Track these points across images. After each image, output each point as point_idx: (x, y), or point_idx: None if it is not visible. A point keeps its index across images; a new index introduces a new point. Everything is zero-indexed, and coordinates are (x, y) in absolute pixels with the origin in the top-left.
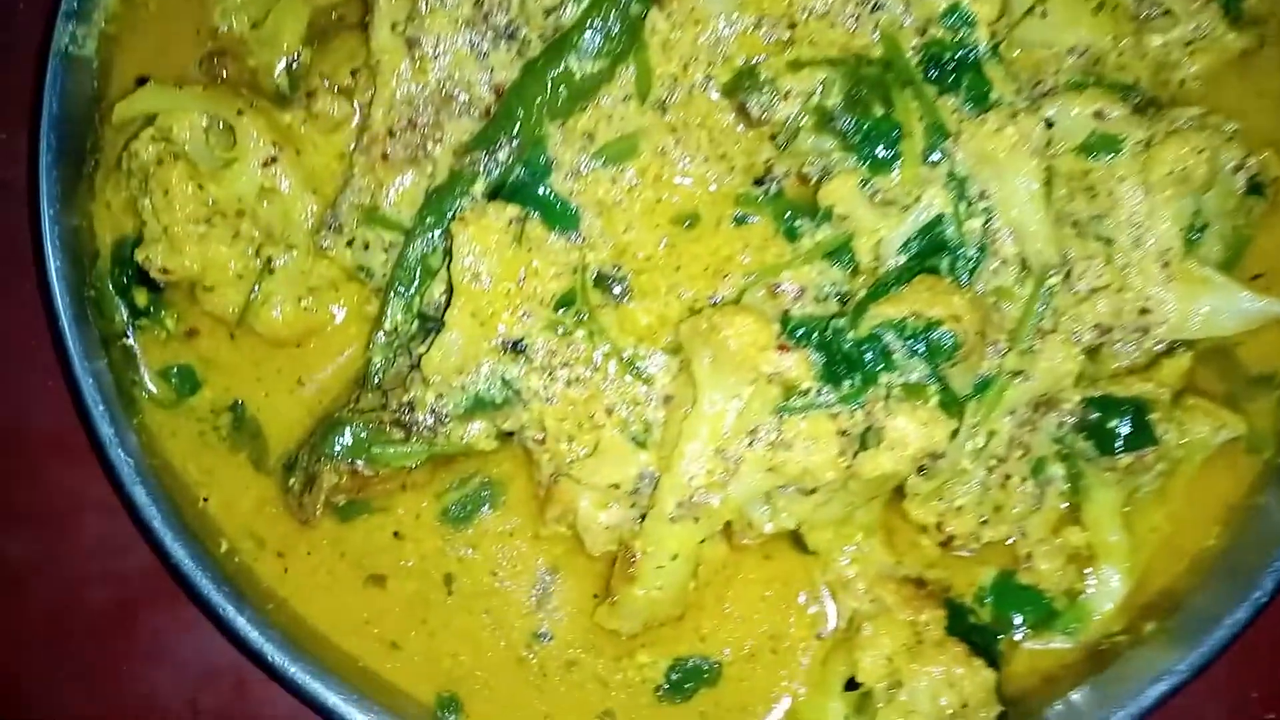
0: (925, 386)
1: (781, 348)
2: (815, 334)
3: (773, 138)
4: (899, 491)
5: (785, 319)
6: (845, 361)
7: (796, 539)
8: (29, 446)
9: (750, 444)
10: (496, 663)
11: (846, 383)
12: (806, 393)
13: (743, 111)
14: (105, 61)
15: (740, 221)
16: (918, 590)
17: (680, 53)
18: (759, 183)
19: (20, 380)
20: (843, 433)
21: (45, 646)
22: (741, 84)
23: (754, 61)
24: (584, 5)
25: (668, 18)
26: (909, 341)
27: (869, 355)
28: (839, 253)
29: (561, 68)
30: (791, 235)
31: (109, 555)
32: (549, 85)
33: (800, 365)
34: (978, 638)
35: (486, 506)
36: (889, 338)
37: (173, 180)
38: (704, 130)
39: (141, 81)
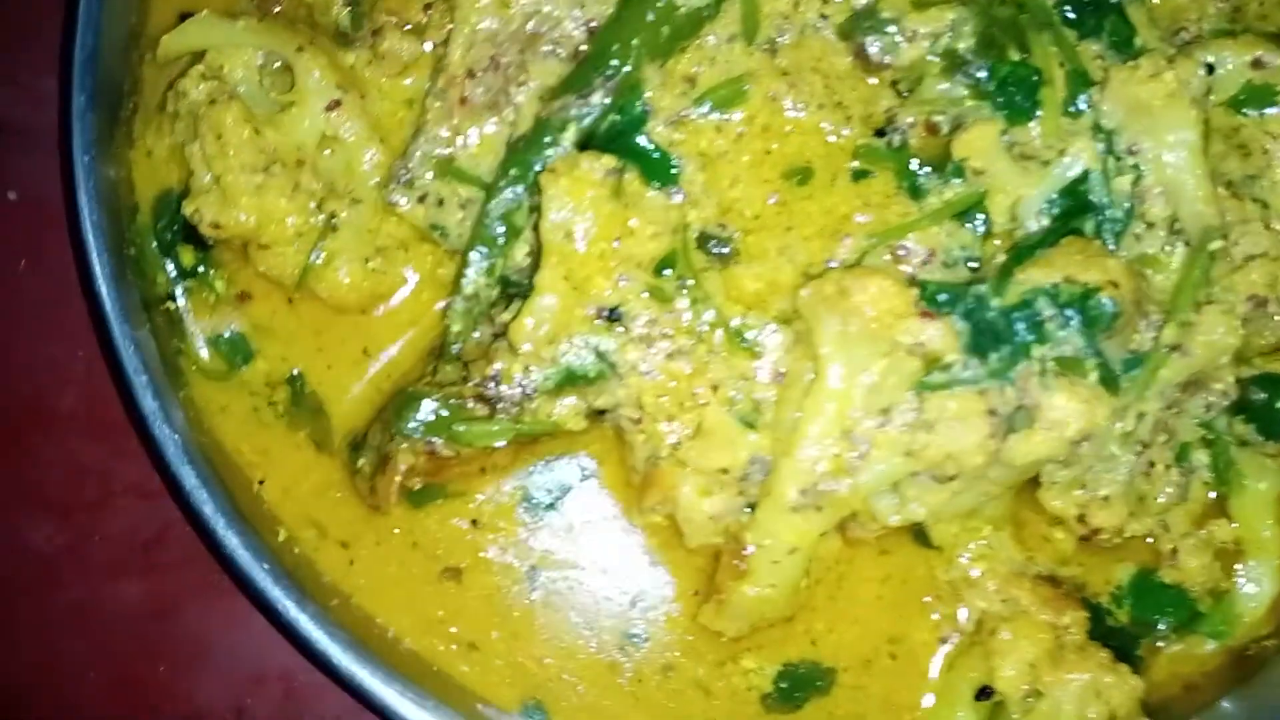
0: (1083, 361)
1: (924, 314)
2: (958, 301)
3: (894, 84)
4: (1032, 481)
5: (923, 284)
6: (991, 332)
7: (917, 532)
8: (55, 424)
9: (882, 425)
10: (586, 667)
11: (994, 355)
12: (949, 367)
13: (861, 54)
14: None
15: (858, 177)
16: (1055, 590)
17: None
18: (880, 133)
19: (46, 350)
20: (992, 412)
21: (74, 645)
22: (860, 24)
23: None
24: None
25: None
26: (1063, 310)
27: (1019, 325)
28: (970, 213)
29: (663, 2)
30: (915, 192)
31: (145, 545)
32: (649, 21)
33: (945, 335)
34: (1116, 641)
35: (574, 493)
36: (1041, 305)
37: (227, 122)
38: (818, 75)
39: (186, 16)
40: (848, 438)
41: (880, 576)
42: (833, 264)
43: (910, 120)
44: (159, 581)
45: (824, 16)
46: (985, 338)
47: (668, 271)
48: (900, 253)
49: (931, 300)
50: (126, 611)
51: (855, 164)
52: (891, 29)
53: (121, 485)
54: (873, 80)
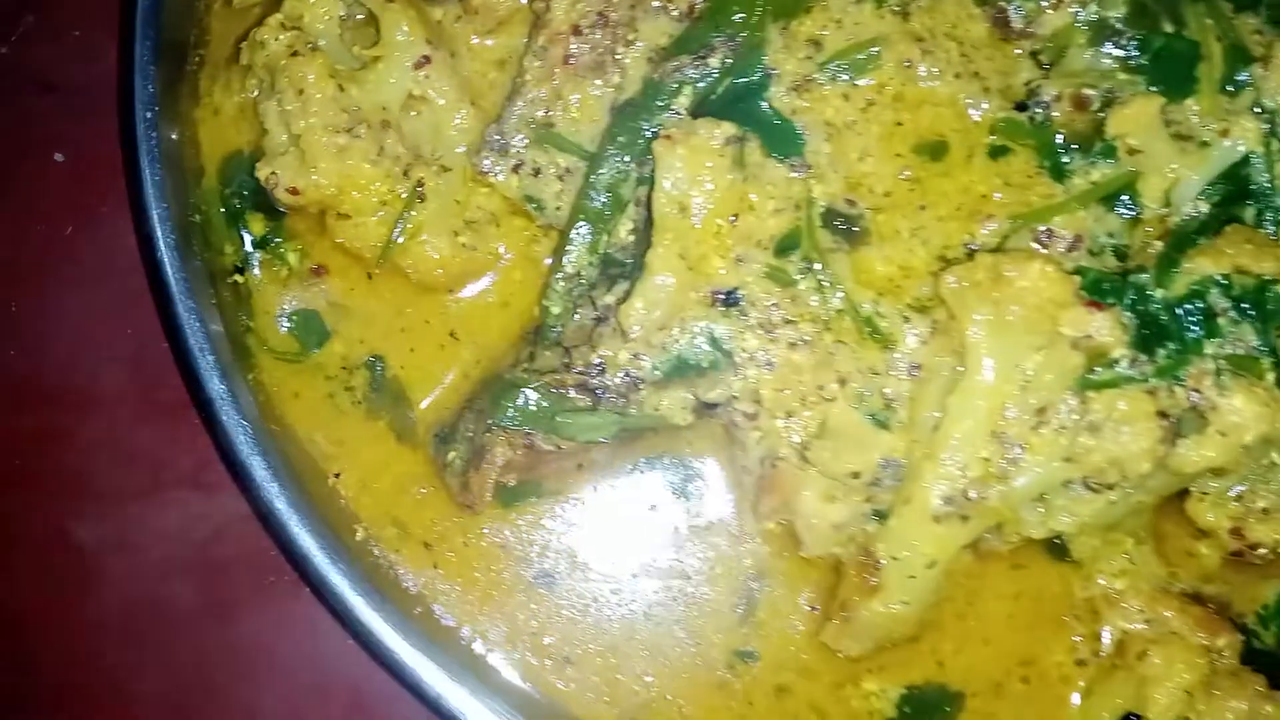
0: (1258, 359)
1: (1091, 304)
2: (1123, 291)
3: (1034, 54)
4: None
5: (1083, 271)
6: (1157, 326)
7: (1053, 545)
8: (102, 407)
9: (1038, 426)
10: (692, 686)
11: (1162, 352)
12: (1114, 363)
13: (1001, 21)
14: None
15: (997, 153)
16: (1205, 610)
17: None
18: (1020, 107)
19: (92, 326)
20: (1162, 414)
21: (121, 648)
22: None
23: None
24: None
25: None
26: (1237, 303)
27: (1189, 320)
28: (1118, 196)
29: None
30: (1058, 172)
31: (201, 541)
32: None
33: (1113, 328)
34: (1265, 666)
35: (677, 494)
36: (1213, 298)
37: (309, 76)
38: (953, 41)
39: None
40: (999, 440)
41: (1013, 593)
42: (972, 247)
43: (1055, 94)
44: (216, 581)
45: None
46: (1152, 332)
47: (790, 252)
48: (1043, 237)
49: (1094, 289)
50: (180, 614)
51: (993, 139)
52: None
53: (175, 476)
54: (1011, 48)
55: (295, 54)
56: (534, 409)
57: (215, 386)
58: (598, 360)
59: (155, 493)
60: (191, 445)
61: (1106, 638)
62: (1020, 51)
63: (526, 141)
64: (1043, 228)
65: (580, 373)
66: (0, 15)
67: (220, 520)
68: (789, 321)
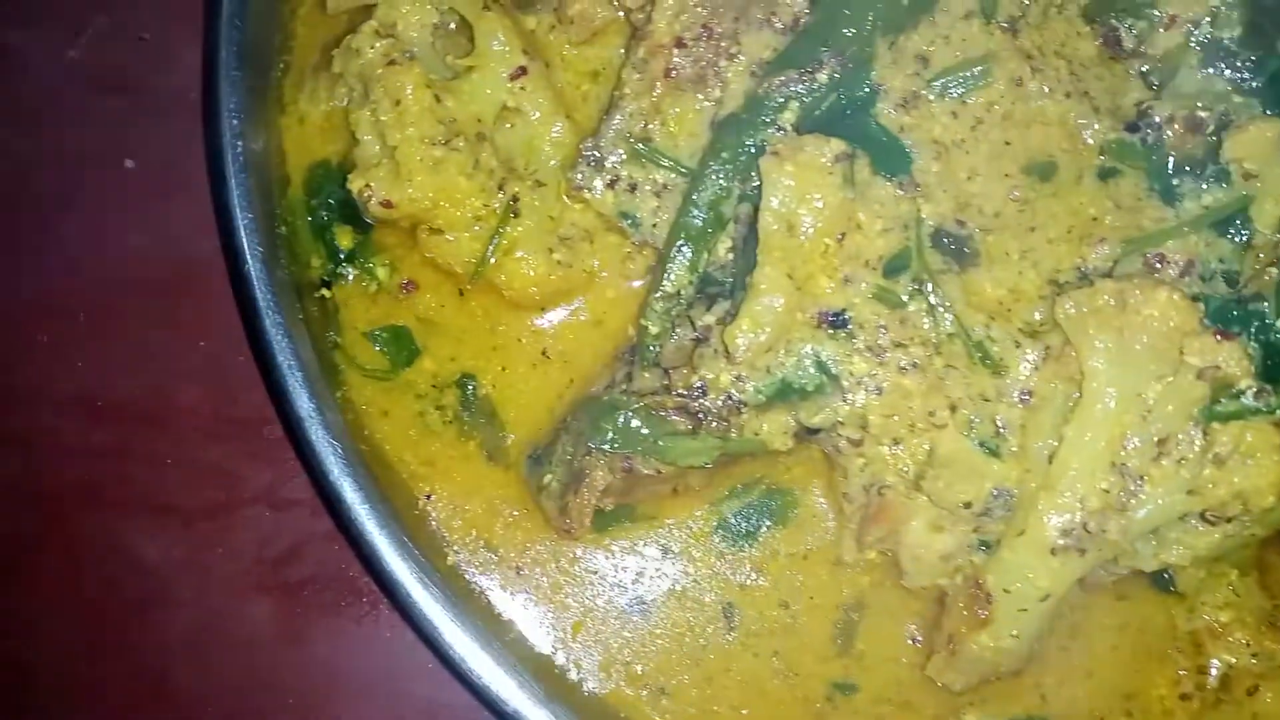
0: None
1: (1219, 333)
2: (1248, 320)
3: (1143, 73)
4: None
5: (1205, 299)
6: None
7: (1157, 576)
8: (174, 421)
9: (1158, 457)
10: (789, 719)
11: None
12: (1239, 394)
13: (1111, 39)
14: None
15: (1106, 175)
16: None
17: None
18: (1131, 128)
19: (164, 339)
20: None
21: (191, 673)
22: (1111, 5)
23: None
24: None
25: None
26: None
27: None
28: (1231, 221)
29: None
30: (1169, 196)
31: (275, 560)
32: None
33: (1240, 358)
34: None
35: (773, 520)
36: None
37: (407, 87)
38: (1062, 60)
39: None
40: (1118, 471)
41: (1117, 625)
42: (1083, 270)
43: (1167, 115)
44: (290, 602)
45: None
46: (1275, 363)
47: (899, 273)
48: (1155, 262)
49: (1221, 318)
50: (251, 636)
51: (1102, 160)
52: (1145, 12)
53: (250, 492)
54: (1121, 69)
55: (392, 63)
56: (634, 432)
57: (304, 404)
58: (699, 382)
59: (228, 510)
60: (267, 461)
61: (1214, 671)
62: (1130, 71)
63: (623, 156)
64: (1154, 252)
65: (681, 395)
66: (68, 16)
67: (295, 538)
68: (898, 345)
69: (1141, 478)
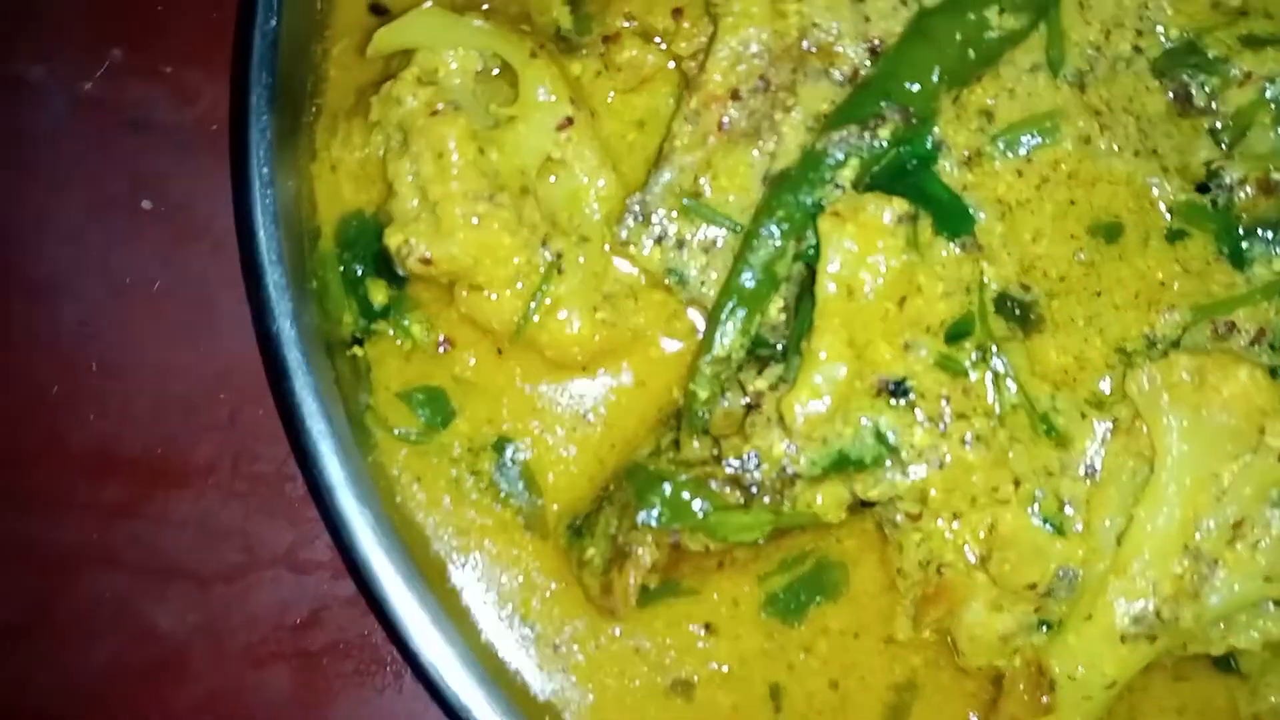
0: None
1: None
2: None
3: (1211, 132)
4: None
5: (1277, 370)
6: None
7: (1218, 657)
8: (191, 479)
9: (1233, 541)
10: None
11: None
12: None
13: (1182, 96)
14: None
15: (1174, 237)
16: None
17: (1101, 14)
18: (1202, 189)
19: (183, 392)
20: None
21: None
22: (1181, 61)
23: (1196, 33)
24: None
25: None
26: None
27: None
28: None
29: (972, 18)
30: (1239, 260)
31: (295, 627)
32: (952, 42)
33: None
34: None
35: (823, 595)
36: None
37: (451, 140)
38: (1130, 116)
39: (377, 9)
40: (1192, 554)
41: (1175, 707)
42: (1151, 339)
43: (1239, 176)
44: (309, 671)
45: (1138, 50)
46: None
47: (962, 339)
48: (1223, 329)
49: None
50: (270, 706)
51: (1170, 222)
52: (1216, 69)
53: (269, 554)
54: (1190, 126)
55: (435, 113)
56: (683, 505)
57: (334, 472)
58: (752, 453)
59: (246, 573)
60: (288, 520)
61: None
62: (1199, 128)
63: (671, 211)
64: (1224, 320)
65: (733, 466)
66: (84, 48)
67: (316, 603)
68: (961, 416)
69: (1216, 562)
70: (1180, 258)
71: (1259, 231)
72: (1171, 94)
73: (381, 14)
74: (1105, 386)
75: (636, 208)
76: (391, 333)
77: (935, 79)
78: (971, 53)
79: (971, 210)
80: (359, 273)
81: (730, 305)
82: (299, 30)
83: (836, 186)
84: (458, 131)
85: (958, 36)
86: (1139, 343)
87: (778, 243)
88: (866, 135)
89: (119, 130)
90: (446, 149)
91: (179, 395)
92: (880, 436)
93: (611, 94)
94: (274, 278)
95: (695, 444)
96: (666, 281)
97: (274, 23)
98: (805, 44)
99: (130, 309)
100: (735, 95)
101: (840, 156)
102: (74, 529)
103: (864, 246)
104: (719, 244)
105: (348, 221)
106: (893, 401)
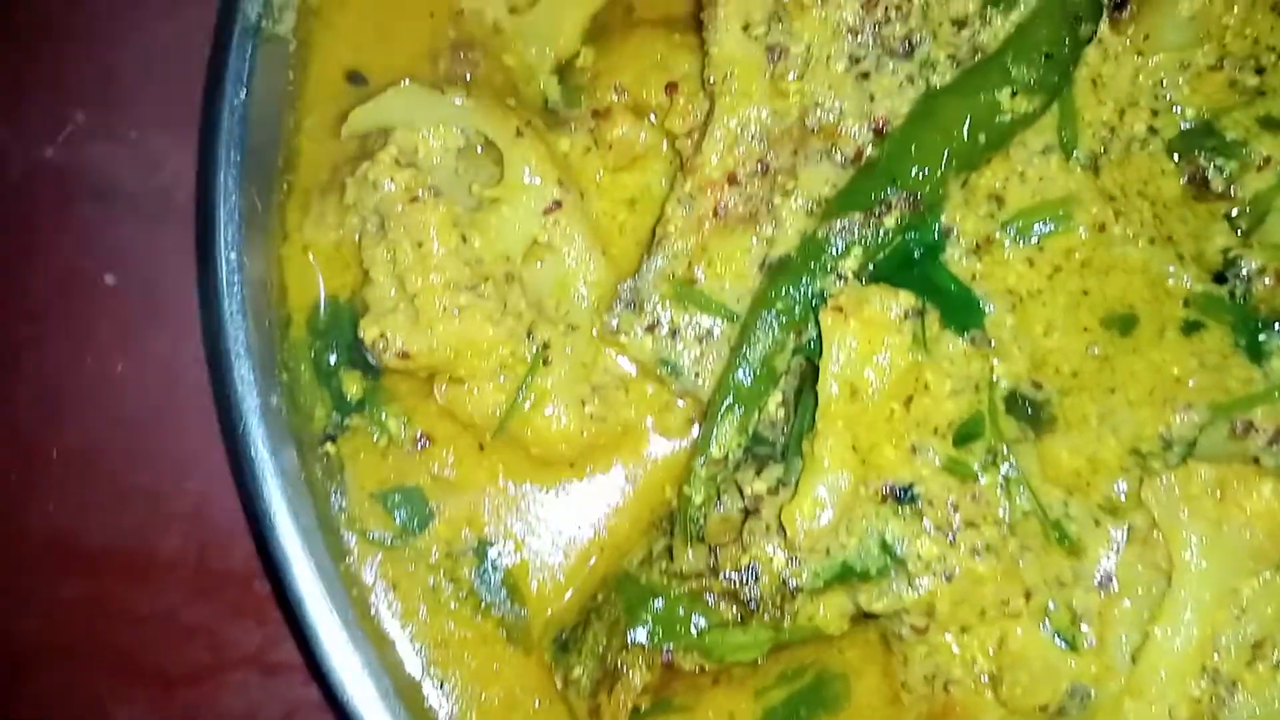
0: None
1: None
2: None
3: (1228, 217)
4: None
5: None
6: None
7: None
8: (154, 572)
9: (1253, 661)
10: None
11: None
12: None
13: (1198, 179)
14: (305, 44)
15: (1190, 329)
16: None
17: (1115, 92)
18: (1219, 279)
19: (146, 478)
20: None
21: None
22: (1198, 142)
23: (1213, 113)
24: (1018, 12)
25: (1103, 47)
26: None
27: None
28: None
29: (983, 101)
30: (1256, 354)
31: None
32: (962, 126)
33: None
34: None
35: (824, 710)
36: None
37: (432, 229)
38: (1145, 200)
39: (355, 77)
40: (1210, 675)
41: None
42: (1166, 439)
43: (1257, 266)
44: None
45: (1153, 130)
46: None
47: (971, 441)
48: (1240, 428)
49: None
50: None
51: (1186, 313)
52: (1239, 151)
53: (238, 655)
54: (1206, 210)
55: (415, 199)
56: (677, 622)
57: (306, 581)
58: (750, 565)
59: (214, 674)
60: (257, 620)
61: None
62: (1215, 213)
63: (664, 299)
64: (1242, 419)
65: (730, 579)
66: (46, 111)
67: (287, 707)
68: (970, 524)
69: (1235, 684)
70: (1196, 351)
71: (1277, 325)
72: (1187, 177)
73: (359, 83)
74: (1119, 488)
75: (628, 295)
76: (367, 428)
77: (944, 164)
78: (982, 137)
79: (981, 302)
80: (332, 362)
81: (726, 403)
82: (270, 103)
83: (839, 277)
84: (438, 219)
85: (968, 120)
86: (1154, 443)
87: (776, 336)
88: (871, 223)
89: (81, 198)
90: (427, 238)
91: (143, 484)
92: (886, 546)
93: (602, 171)
94: (241, 371)
95: (689, 554)
96: (659, 372)
97: (243, 96)
98: (807, 123)
99: (92, 391)
100: (732, 180)
101: (843, 245)
102: (33, 625)
103: (868, 344)
104: (714, 333)
105: (320, 308)
106: (899, 509)
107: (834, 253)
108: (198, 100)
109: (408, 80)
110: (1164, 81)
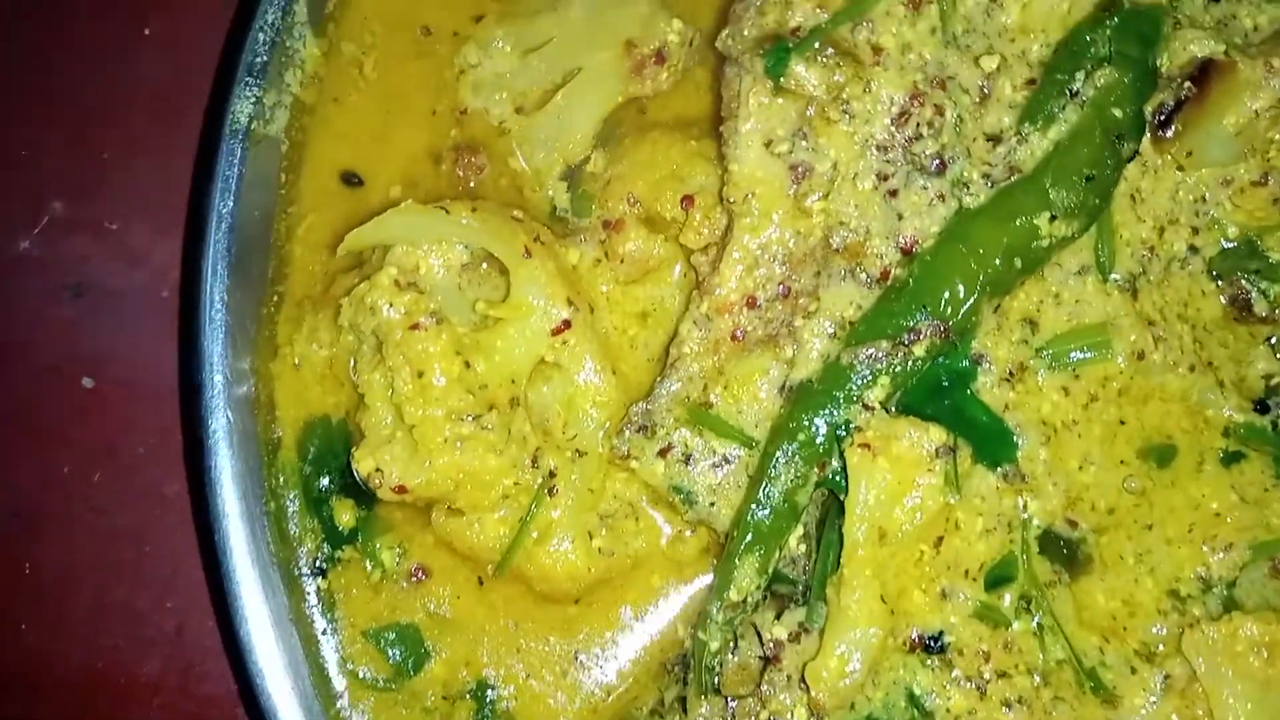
0: None
1: None
2: None
3: (1269, 340)
4: None
5: None
6: None
7: None
8: (135, 696)
9: None
10: None
11: None
12: None
13: (1240, 302)
14: (298, 145)
15: (1230, 460)
16: None
17: (1155, 209)
18: (1261, 408)
19: (125, 598)
20: None
21: None
22: (1241, 264)
23: (1257, 232)
24: (1057, 129)
25: (1142, 160)
26: None
27: None
28: None
29: (1020, 225)
30: None
31: None
32: (997, 250)
33: None
34: None
35: None
36: None
37: (434, 358)
38: (1185, 324)
39: (351, 178)
40: None
41: None
42: (1205, 580)
43: None
44: None
45: (1194, 249)
46: None
47: (1004, 585)
48: None
49: None
50: None
51: (1227, 443)
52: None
53: None
54: (1247, 333)
55: (415, 326)
56: None
57: None
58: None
59: None
60: None
61: None
62: (1258, 336)
63: (678, 422)
64: None
65: None
66: (21, 200)
67: None
68: (1001, 674)
69: None
70: (1237, 483)
71: None
72: (1229, 299)
73: (355, 184)
74: (1157, 631)
75: (640, 418)
76: (359, 560)
77: (977, 291)
78: (1018, 262)
79: (1014, 434)
80: (324, 488)
81: (745, 542)
82: (260, 207)
83: (865, 407)
84: (440, 348)
85: (1004, 243)
86: (1193, 585)
87: (799, 470)
88: (899, 352)
89: (59, 295)
90: (428, 368)
91: (121, 602)
92: (914, 699)
93: (614, 284)
94: (225, 505)
95: (704, 707)
96: (672, 500)
97: (231, 204)
98: (831, 242)
99: (68, 502)
100: (751, 303)
101: (869, 374)
102: None
103: (898, 485)
104: (731, 460)
105: (312, 429)
106: (927, 659)
107: (860, 382)
108: (184, 188)
109: (408, 199)
110: (1206, 197)
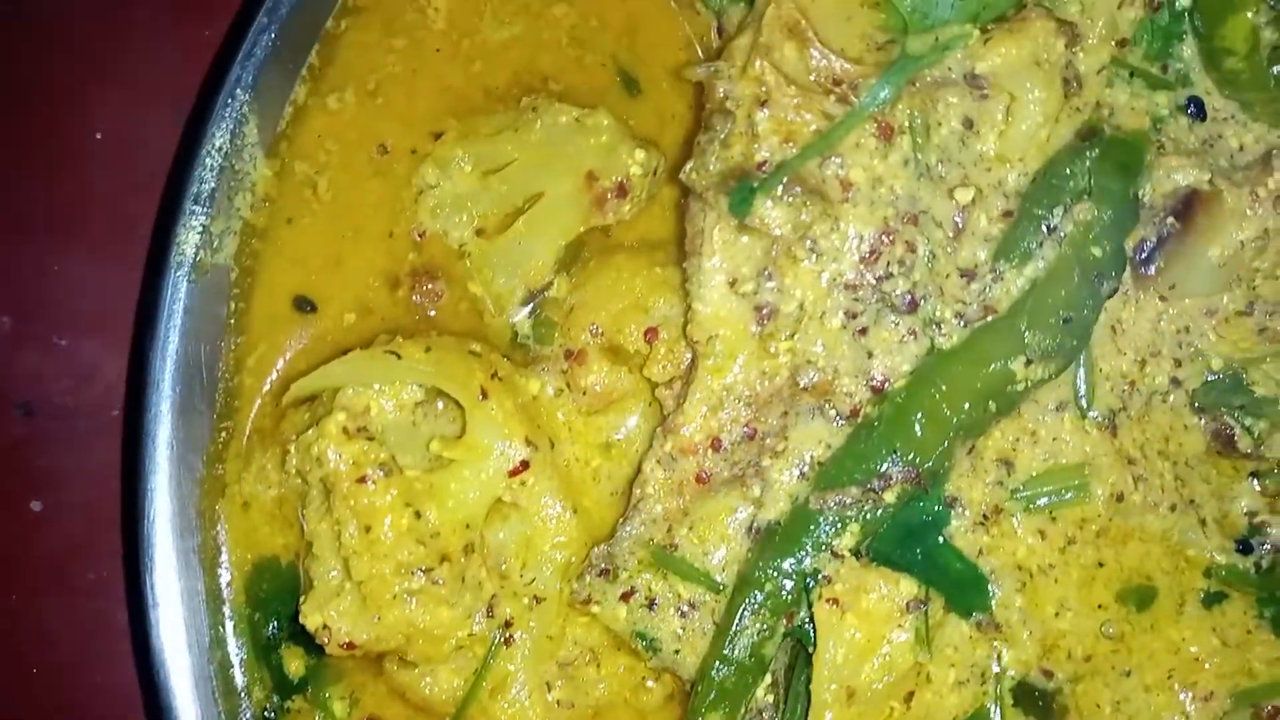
0: None
1: None
2: None
3: (1254, 476)
4: None
5: None
6: None
7: None
8: None
9: None
10: None
11: None
12: None
13: (1224, 437)
14: (248, 272)
15: (1211, 601)
16: None
17: (1136, 341)
18: (1243, 548)
19: None
20: None
21: None
22: (1224, 399)
23: (1242, 364)
24: (1033, 266)
25: (1124, 292)
26: None
27: None
28: None
29: (995, 370)
30: None
31: None
32: (971, 395)
33: None
34: None
35: None
36: None
37: (381, 511)
38: (1167, 461)
39: (303, 304)
40: None
41: None
42: None
43: None
44: None
45: (1176, 381)
46: None
47: None
48: (1265, 712)
49: None
50: None
51: (1208, 584)
52: (1268, 410)
53: None
54: (1230, 468)
55: (363, 480)
56: None
57: None
58: None
59: None
60: None
61: None
62: (1242, 471)
63: (641, 565)
64: (1269, 706)
65: None
66: None
67: None
68: None
69: None
70: (1218, 625)
71: None
72: (1211, 434)
73: (307, 310)
74: None
75: (601, 561)
76: (310, 711)
77: (950, 434)
78: (992, 405)
79: (988, 580)
80: (273, 634)
81: (710, 699)
82: (209, 340)
83: (834, 555)
84: (389, 503)
85: (977, 387)
86: None
87: (766, 622)
88: (869, 498)
89: (7, 413)
90: (376, 522)
91: None
92: None
93: (575, 414)
94: (171, 663)
95: None
96: (636, 645)
97: (176, 341)
98: (799, 381)
99: (14, 636)
100: (716, 445)
101: (838, 521)
102: None
103: (867, 643)
104: (697, 606)
105: (261, 571)
106: None
107: (829, 530)
108: (134, 300)
109: (357, 351)
110: (1189, 328)
